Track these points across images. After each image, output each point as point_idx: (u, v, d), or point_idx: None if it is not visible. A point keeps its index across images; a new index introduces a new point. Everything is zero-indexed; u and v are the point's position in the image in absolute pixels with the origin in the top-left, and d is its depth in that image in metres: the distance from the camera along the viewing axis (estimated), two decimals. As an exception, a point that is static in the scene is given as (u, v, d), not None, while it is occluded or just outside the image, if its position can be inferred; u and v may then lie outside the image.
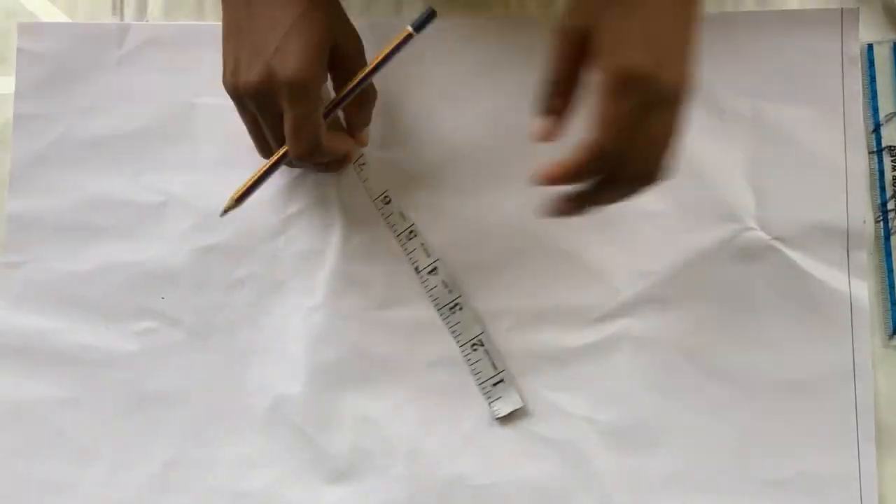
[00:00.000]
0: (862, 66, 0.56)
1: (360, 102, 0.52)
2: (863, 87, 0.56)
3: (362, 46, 0.51)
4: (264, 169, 0.51)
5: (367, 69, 0.50)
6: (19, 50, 0.59)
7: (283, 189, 0.58)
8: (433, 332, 0.56)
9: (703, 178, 0.56)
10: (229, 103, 0.50)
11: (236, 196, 0.51)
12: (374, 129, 0.56)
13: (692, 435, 0.54)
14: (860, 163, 0.56)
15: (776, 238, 0.55)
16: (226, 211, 0.51)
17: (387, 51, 0.49)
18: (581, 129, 0.43)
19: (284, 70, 0.47)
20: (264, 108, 0.49)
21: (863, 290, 0.55)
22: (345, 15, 0.51)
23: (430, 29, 0.49)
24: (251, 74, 0.48)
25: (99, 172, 0.59)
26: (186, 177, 0.57)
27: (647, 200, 0.55)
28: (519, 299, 0.56)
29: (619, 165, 0.44)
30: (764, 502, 0.53)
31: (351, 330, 0.57)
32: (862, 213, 0.55)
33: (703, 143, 0.56)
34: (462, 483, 0.55)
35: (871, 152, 0.56)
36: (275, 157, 0.51)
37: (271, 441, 0.56)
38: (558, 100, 0.47)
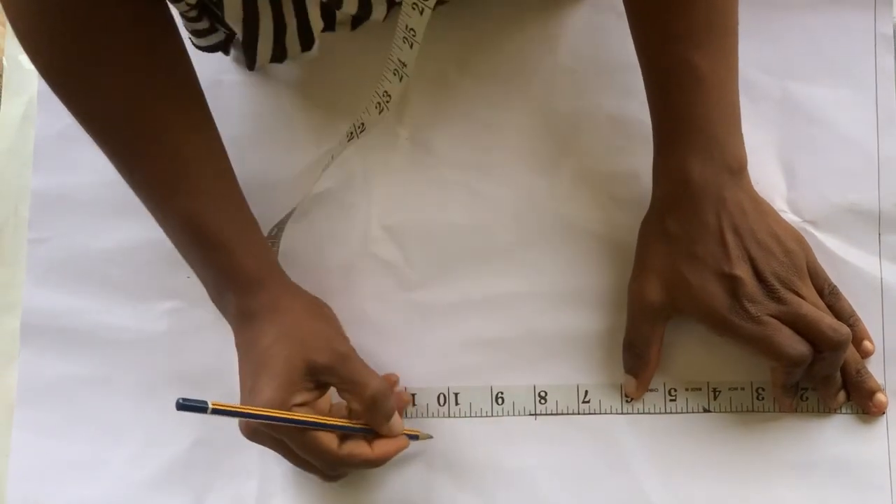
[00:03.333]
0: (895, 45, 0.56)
1: (368, 407, 0.50)
2: (896, 66, 0.56)
3: (341, 353, 0.50)
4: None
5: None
6: (44, 25, 0.58)
7: (309, 167, 0.58)
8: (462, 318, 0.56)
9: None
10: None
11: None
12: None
13: (719, 419, 0.54)
14: (893, 144, 0.55)
15: (807, 221, 0.55)
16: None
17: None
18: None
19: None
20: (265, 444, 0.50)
21: (895, 274, 0.54)
22: (320, 330, 0.51)
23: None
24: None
25: (124, 149, 0.58)
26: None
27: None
28: (546, 283, 0.56)
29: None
30: (792, 487, 0.53)
31: (375, 311, 0.56)
32: (895, 196, 0.55)
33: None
34: (491, 467, 0.54)
35: (904, 133, 0.55)
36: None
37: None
38: (638, 361, 0.53)
